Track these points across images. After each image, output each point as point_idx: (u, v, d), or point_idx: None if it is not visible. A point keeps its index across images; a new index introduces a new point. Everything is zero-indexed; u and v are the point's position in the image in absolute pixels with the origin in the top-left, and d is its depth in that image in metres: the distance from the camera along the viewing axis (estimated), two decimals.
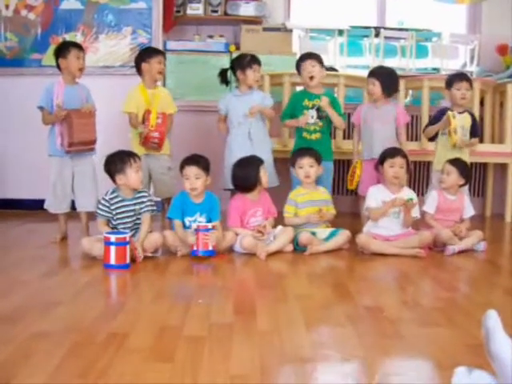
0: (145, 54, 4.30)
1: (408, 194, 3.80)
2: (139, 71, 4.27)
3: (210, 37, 5.59)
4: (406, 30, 5.81)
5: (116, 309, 2.53)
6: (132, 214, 3.49)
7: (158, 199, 4.34)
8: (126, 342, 2.05)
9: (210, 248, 3.44)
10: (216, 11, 5.54)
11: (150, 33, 5.16)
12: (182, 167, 3.64)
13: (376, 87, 4.20)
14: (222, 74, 4.46)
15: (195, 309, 2.47)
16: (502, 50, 5.78)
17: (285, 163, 4.55)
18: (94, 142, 3.92)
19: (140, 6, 5.15)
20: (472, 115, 4.22)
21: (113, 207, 3.45)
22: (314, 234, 3.73)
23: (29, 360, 1.87)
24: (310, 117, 4.25)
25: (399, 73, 4.82)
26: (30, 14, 5.14)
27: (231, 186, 4.00)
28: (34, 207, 4.68)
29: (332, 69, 5.27)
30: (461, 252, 3.72)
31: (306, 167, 3.88)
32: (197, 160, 3.62)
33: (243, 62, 4.33)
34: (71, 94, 3.91)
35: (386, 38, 5.74)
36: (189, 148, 4.31)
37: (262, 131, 4.37)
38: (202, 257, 3.42)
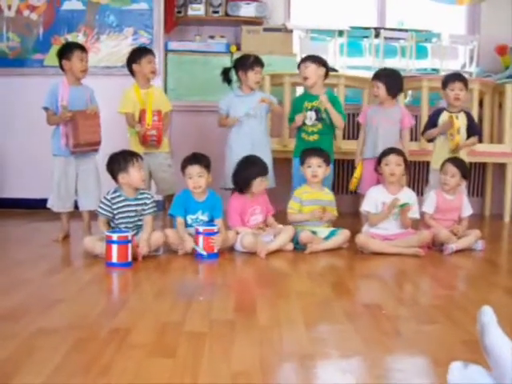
0: (134, 54, 4.32)
1: (405, 197, 3.81)
2: (132, 72, 4.30)
3: (211, 37, 5.62)
4: (406, 30, 5.84)
5: (118, 306, 2.57)
6: (134, 214, 3.52)
7: (160, 198, 4.37)
8: (128, 338, 2.09)
9: (216, 251, 3.47)
10: (217, 12, 5.57)
11: (152, 33, 5.19)
12: (183, 167, 3.66)
13: (380, 89, 4.23)
14: (225, 73, 4.49)
15: (196, 306, 2.50)
16: (501, 50, 5.81)
17: (285, 163, 4.58)
18: (98, 143, 3.97)
19: (141, 6, 5.18)
20: (468, 114, 4.26)
21: (114, 206, 3.48)
22: (314, 232, 3.76)
23: (32, 356, 1.90)
24: (308, 117, 4.26)
25: None
26: (32, 15, 5.17)
27: (230, 186, 4.03)
28: (36, 206, 4.70)
29: (332, 69, 5.29)
30: (459, 251, 3.74)
31: (315, 167, 3.91)
32: (199, 159, 3.65)
33: (246, 63, 4.36)
34: (76, 94, 3.95)
35: (385, 38, 5.77)
36: (190, 148, 4.33)
37: (263, 132, 4.40)
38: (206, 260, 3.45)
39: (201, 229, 3.48)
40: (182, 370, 1.82)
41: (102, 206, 3.50)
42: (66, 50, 3.98)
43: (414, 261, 3.54)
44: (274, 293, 2.81)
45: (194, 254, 3.48)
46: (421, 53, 5.90)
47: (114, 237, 3.20)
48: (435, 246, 3.83)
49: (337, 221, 4.04)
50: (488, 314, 1.61)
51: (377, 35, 5.76)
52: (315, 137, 4.27)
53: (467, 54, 5.91)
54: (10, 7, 5.17)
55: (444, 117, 4.18)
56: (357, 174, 4.30)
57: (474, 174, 5.73)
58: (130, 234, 3.27)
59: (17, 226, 4.58)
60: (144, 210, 3.54)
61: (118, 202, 3.49)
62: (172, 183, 4.30)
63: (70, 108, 3.84)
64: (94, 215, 3.90)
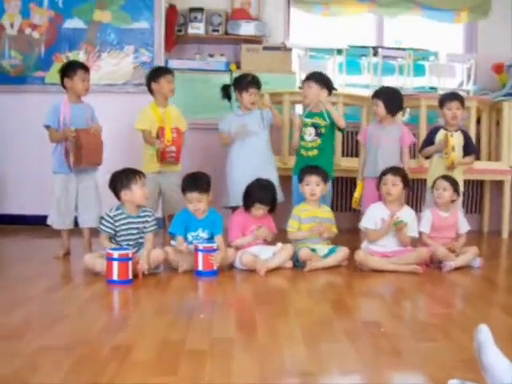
0: (154, 73, 4.39)
1: (404, 215, 3.83)
2: (150, 91, 4.35)
3: (211, 56, 5.67)
4: (404, 49, 5.90)
5: (119, 323, 2.58)
6: (135, 231, 3.55)
7: (159, 216, 4.39)
8: (129, 355, 2.10)
9: (215, 268, 3.49)
10: (217, 30, 5.63)
11: (152, 51, 5.24)
12: (183, 189, 3.70)
13: (380, 108, 4.27)
14: (224, 89, 4.53)
15: (197, 323, 2.52)
16: (498, 68, 5.86)
17: (285, 180, 4.61)
18: (99, 163, 4.00)
19: (142, 25, 5.24)
20: (465, 133, 4.30)
21: (117, 224, 3.51)
22: (313, 250, 3.78)
23: (36, 374, 1.92)
24: (307, 133, 4.30)
25: None
26: (34, 33, 5.23)
27: (233, 204, 4.06)
28: (36, 223, 4.72)
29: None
30: (457, 268, 3.76)
31: (313, 185, 3.94)
32: (198, 184, 3.67)
33: (241, 84, 4.41)
34: (77, 112, 3.99)
35: (384, 56, 5.83)
36: (190, 165, 4.39)
37: (266, 148, 4.43)
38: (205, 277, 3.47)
39: (200, 246, 3.50)
40: None
41: (104, 223, 3.52)
42: (69, 69, 4.03)
43: (413, 278, 3.56)
44: (274, 310, 2.82)
45: (193, 272, 3.50)
46: (418, 71, 5.95)
47: (115, 254, 3.23)
48: (433, 264, 3.85)
49: (336, 238, 4.06)
50: (485, 333, 1.64)
51: (375, 54, 5.81)
52: (314, 152, 4.31)
53: (465, 72, 5.96)
54: (12, 25, 5.23)
55: (440, 135, 4.22)
56: (357, 193, 4.33)
57: (471, 191, 5.77)
58: (130, 252, 3.29)
59: (17, 242, 4.60)
60: (145, 227, 3.56)
61: (121, 220, 3.51)
62: (179, 203, 4.30)
63: (72, 126, 3.88)
64: (94, 232, 3.93)
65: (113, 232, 3.52)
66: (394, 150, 4.32)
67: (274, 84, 5.30)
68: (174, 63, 5.47)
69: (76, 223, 4.09)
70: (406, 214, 3.87)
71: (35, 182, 5.04)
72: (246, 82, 4.39)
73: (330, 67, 5.75)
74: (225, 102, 4.57)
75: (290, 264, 3.75)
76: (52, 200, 4.02)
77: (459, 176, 4.16)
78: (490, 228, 5.71)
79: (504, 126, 5.35)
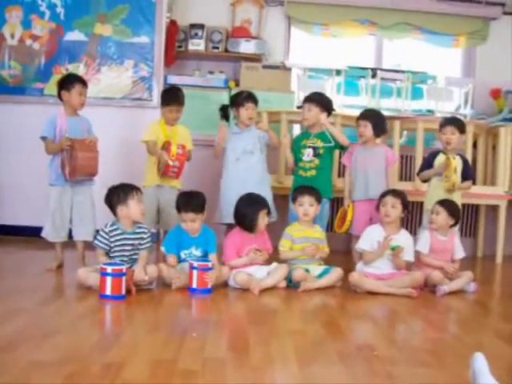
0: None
1: (401, 239, 3.84)
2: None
3: (211, 72, 5.69)
4: (403, 71, 5.94)
5: (111, 340, 2.56)
6: (130, 247, 3.53)
7: (154, 230, 4.38)
8: (121, 373, 2.08)
9: (209, 287, 3.48)
10: (217, 48, 5.66)
11: (152, 66, 5.25)
12: (179, 209, 3.70)
13: (368, 129, 4.31)
14: (223, 110, 4.54)
15: (190, 342, 2.50)
16: (496, 94, 5.91)
17: (281, 200, 4.61)
18: (94, 174, 3.99)
19: (143, 40, 5.25)
20: (463, 158, 4.31)
21: (112, 239, 3.48)
22: (307, 270, 3.77)
23: None
24: (305, 154, 4.31)
25: (395, 114, 4.90)
26: (35, 44, 5.24)
27: (227, 221, 4.05)
28: (31, 234, 4.70)
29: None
30: (452, 293, 3.76)
31: (306, 205, 3.94)
32: (193, 204, 3.67)
33: (238, 100, 4.43)
34: (73, 125, 3.99)
35: (382, 78, 5.86)
36: (186, 182, 4.38)
37: (261, 167, 4.43)
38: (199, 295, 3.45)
39: (195, 264, 3.48)
40: None
41: (99, 238, 3.50)
42: (67, 82, 4.03)
43: (407, 301, 3.55)
44: (267, 331, 2.81)
45: (187, 289, 3.48)
46: (416, 94, 5.98)
47: (109, 269, 3.21)
48: (427, 287, 3.85)
49: (329, 258, 4.05)
50: (480, 361, 1.64)
51: (373, 75, 5.85)
52: (312, 172, 4.32)
53: (462, 96, 6.00)
54: (13, 36, 5.24)
55: (440, 159, 4.24)
56: (349, 216, 4.33)
57: (466, 215, 5.78)
58: (124, 267, 3.27)
59: (10, 253, 4.58)
60: (141, 244, 3.55)
61: (116, 235, 3.50)
62: (176, 219, 4.29)
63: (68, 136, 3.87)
64: (88, 245, 3.92)
65: (108, 248, 3.49)
66: (383, 171, 4.36)
67: (273, 103, 5.32)
68: (173, 79, 5.50)
69: (70, 236, 4.07)
70: (403, 237, 3.87)
71: (30, 193, 5.02)
72: (243, 97, 4.42)
73: (329, 87, 5.78)
74: (221, 119, 4.58)
75: (283, 284, 3.74)
76: (47, 212, 4.00)
77: (458, 200, 4.16)
78: (485, 252, 5.72)
79: (500, 150, 5.38)
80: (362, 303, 3.53)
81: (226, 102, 4.66)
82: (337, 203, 5.48)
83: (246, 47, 5.63)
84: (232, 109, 4.47)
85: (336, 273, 3.83)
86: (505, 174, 5.37)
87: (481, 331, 3.04)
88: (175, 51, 5.58)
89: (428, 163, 4.32)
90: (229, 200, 3.97)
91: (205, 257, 3.68)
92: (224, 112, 4.54)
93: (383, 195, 3.93)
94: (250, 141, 4.36)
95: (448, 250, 4.00)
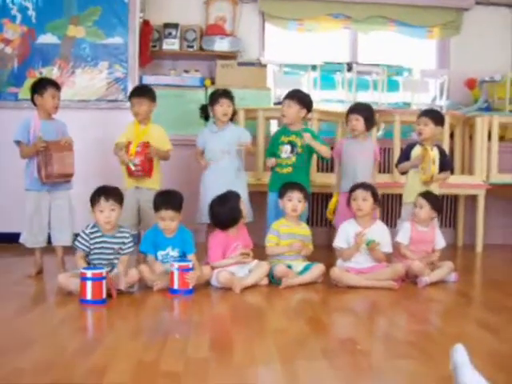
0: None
1: (376, 230, 3.86)
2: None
3: (186, 71, 5.66)
4: (378, 65, 5.95)
5: (93, 345, 2.53)
6: (110, 251, 3.50)
7: (135, 232, 4.35)
8: (103, 377, 2.06)
9: (191, 287, 3.46)
10: (191, 46, 5.64)
11: (127, 67, 5.20)
12: (156, 208, 3.67)
13: (360, 123, 4.31)
14: (202, 109, 4.52)
15: (172, 344, 2.49)
16: (471, 84, 5.94)
17: (259, 196, 4.60)
18: (71, 175, 3.95)
19: (116, 41, 5.20)
20: (440, 149, 4.33)
21: (92, 241, 3.45)
22: (289, 266, 3.77)
23: None
24: (283, 151, 4.30)
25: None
26: (7, 48, 5.17)
27: (207, 221, 4.03)
28: (8, 241, 4.64)
29: None
30: (433, 283, 3.78)
31: (295, 201, 3.94)
32: (172, 202, 3.64)
33: (213, 97, 4.42)
34: (47, 128, 3.94)
35: (358, 72, 5.87)
36: (166, 181, 4.36)
37: (238, 167, 4.41)
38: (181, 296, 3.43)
39: (176, 265, 3.45)
40: None
41: (80, 239, 3.46)
42: (40, 86, 3.98)
43: (389, 294, 3.56)
44: (250, 330, 2.80)
45: (168, 290, 3.46)
46: (392, 86, 6.00)
47: (89, 274, 3.18)
48: (409, 279, 3.86)
49: (311, 254, 4.04)
50: (460, 352, 1.64)
51: (349, 69, 5.85)
52: (289, 169, 4.30)
53: (438, 87, 6.03)
54: None
55: (417, 150, 4.25)
56: (331, 203, 4.34)
57: (446, 206, 5.82)
58: (104, 271, 3.24)
59: None
60: (122, 248, 3.52)
61: (96, 238, 3.46)
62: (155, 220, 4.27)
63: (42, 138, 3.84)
64: (67, 250, 3.88)
65: (88, 249, 3.46)
66: (371, 165, 4.40)
67: (249, 100, 5.30)
68: (148, 79, 5.46)
69: (49, 241, 4.03)
70: (378, 229, 3.88)
71: (7, 198, 4.95)
72: (217, 94, 4.40)
73: (305, 83, 5.76)
74: (200, 119, 4.56)
75: (265, 281, 3.74)
76: (24, 218, 3.96)
77: (435, 190, 4.18)
78: (465, 242, 5.76)
79: (477, 140, 5.42)
80: (344, 298, 3.53)
81: (203, 100, 4.66)
82: (317, 199, 5.51)
83: (221, 45, 5.61)
84: (210, 108, 4.46)
85: (318, 268, 3.83)
86: (482, 164, 5.41)
87: (463, 321, 3.06)
88: (149, 51, 5.54)
89: (405, 155, 4.33)
90: (209, 200, 3.95)
91: (182, 257, 3.66)
92: (204, 111, 4.52)
93: (352, 189, 3.93)
94: (226, 140, 4.34)
95: (429, 241, 4.02)
